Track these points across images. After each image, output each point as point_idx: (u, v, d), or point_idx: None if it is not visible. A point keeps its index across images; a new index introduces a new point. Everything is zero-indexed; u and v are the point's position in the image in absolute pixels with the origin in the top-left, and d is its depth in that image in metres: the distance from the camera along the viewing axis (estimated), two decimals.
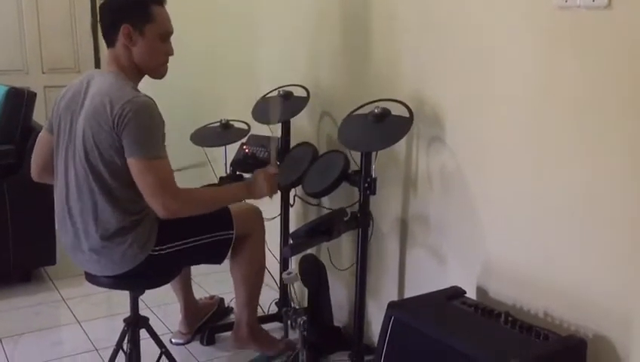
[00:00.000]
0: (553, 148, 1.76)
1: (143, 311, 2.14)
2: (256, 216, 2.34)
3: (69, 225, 1.96)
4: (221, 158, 2.72)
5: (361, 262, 2.25)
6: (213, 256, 2.18)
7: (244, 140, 2.72)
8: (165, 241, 1.98)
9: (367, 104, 2.22)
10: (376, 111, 2.11)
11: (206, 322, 2.72)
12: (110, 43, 1.96)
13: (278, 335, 2.62)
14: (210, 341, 2.62)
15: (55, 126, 1.98)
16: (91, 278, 2.04)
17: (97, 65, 4.70)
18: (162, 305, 2.89)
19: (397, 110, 2.13)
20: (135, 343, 2.08)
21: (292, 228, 2.62)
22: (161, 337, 2.13)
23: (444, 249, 2.18)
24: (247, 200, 2.23)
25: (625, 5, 1.54)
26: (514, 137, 1.88)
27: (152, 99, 1.88)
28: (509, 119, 1.89)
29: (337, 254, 2.66)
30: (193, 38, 3.51)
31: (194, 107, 3.73)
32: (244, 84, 3.24)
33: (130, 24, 1.91)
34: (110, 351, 2.12)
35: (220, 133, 2.70)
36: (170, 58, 2.03)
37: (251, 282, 2.38)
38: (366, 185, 2.17)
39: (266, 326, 2.61)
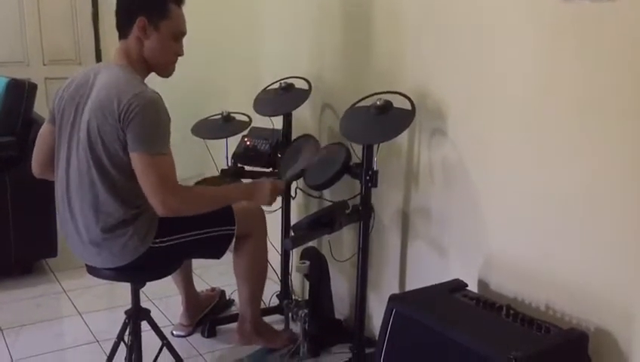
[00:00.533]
0: (554, 142, 1.75)
1: (145, 303, 2.14)
2: (259, 215, 2.34)
3: (69, 216, 1.96)
4: (222, 151, 2.72)
5: (362, 255, 2.25)
6: (213, 251, 2.18)
7: (245, 133, 2.71)
8: (166, 234, 1.98)
9: (369, 96, 2.21)
10: (378, 103, 2.10)
11: (207, 314, 2.72)
12: (123, 35, 1.96)
13: (279, 328, 2.63)
14: (211, 333, 2.63)
15: (57, 117, 1.97)
16: (92, 270, 2.04)
17: (98, 56, 4.69)
18: (163, 297, 2.89)
19: (399, 103, 2.12)
20: (136, 335, 2.08)
21: (293, 221, 2.61)
22: (162, 329, 2.13)
23: (446, 242, 2.18)
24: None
25: None
26: (516, 131, 1.87)
27: (158, 94, 1.87)
28: (511, 113, 1.88)
29: (338, 247, 2.66)
30: (195, 30, 3.47)
31: (195, 99, 3.72)
32: (246, 77, 3.23)
33: (146, 17, 1.92)
34: (111, 343, 2.12)
35: (222, 126, 2.70)
36: None
37: (254, 280, 2.39)
38: (368, 177, 2.17)
39: (267, 319, 2.61)
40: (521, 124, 1.85)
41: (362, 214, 2.21)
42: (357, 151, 2.26)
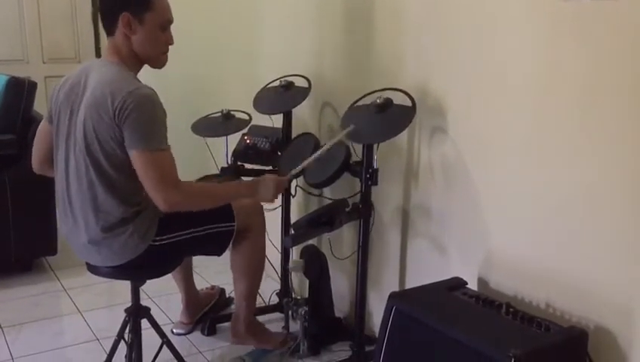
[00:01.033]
0: (554, 141, 1.75)
1: (145, 302, 2.14)
2: (257, 210, 2.33)
3: (70, 216, 1.96)
4: (222, 149, 2.72)
5: (362, 253, 2.25)
6: (214, 248, 2.18)
7: (245, 131, 2.71)
8: (166, 231, 1.98)
9: (370, 94, 2.21)
10: (378, 101, 2.10)
11: (207, 312, 2.73)
12: (110, 32, 1.95)
13: (278, 326, 2.63)
14: (211, 331, 2.63)
15: (54, 117, 1.97)
16: (92, 268, 2.04)
17: (98, 54, 4.69)
18: (163, 295, 2.89)
19: (399, 100, 2.12)
20: (136, 333, 2.08)
21: (294, 219, 2.61)
22: (162, 327, 2.13)
23: (446, 240, 2.18)
24: None
25: None
26: (516, 129, 1.87)
27: (153, 90, 1.87)
28: (511, 111, 1.88)
29: (338, 245, 2.66)
30: (194, 28, 3.49)
31: (195, 97, 3.72)
32: (246, 74, 3.22)
33: (129, 12, 1.89)
34: (111, 341, 2.13)
35: (221, 124, 2.69)
36: (171, 47, 2.01)
37: (251, 276, 2.38)
38: (368, 175, 2.17)
39: (267, 317, 2.61)
40: (522, 124, 1.85)
41: (362, 212, 2.21)
42: (357, 149, 2.26)
